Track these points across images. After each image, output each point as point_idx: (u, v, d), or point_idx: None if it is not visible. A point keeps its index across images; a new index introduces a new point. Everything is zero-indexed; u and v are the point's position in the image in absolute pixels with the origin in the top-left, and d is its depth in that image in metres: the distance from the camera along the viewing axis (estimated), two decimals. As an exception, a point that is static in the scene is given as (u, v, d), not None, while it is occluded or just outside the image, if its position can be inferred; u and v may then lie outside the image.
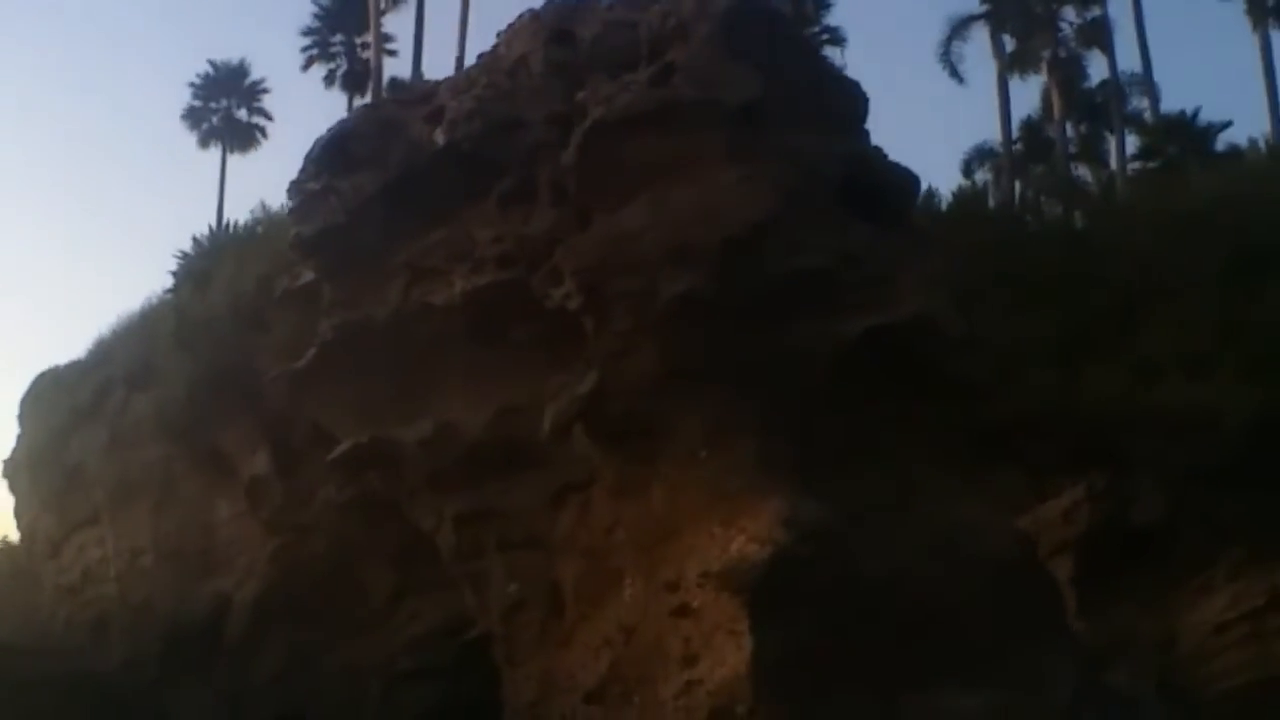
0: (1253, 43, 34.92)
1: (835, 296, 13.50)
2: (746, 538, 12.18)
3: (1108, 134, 39.24)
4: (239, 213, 31.40)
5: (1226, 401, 18.59)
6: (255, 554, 19.73)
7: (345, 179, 14.78)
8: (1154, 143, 35.01)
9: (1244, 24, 35.67)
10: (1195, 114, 35.46)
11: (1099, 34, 36.88)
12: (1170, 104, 36.47)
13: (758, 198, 12.74)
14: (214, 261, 22.50)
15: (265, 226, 23.44)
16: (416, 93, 15.42)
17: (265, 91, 39.25)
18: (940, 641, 13.06)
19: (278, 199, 24.06)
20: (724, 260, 12.58)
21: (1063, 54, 36.95)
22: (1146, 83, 36.70)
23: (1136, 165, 35.39)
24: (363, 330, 14.74)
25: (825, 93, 14.69)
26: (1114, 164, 35.50)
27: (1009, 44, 35.50)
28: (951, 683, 12.90)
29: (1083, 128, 37.00)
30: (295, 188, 14.92)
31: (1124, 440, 18.14)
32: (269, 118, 39.85)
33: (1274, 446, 18.19)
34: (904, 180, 15.62)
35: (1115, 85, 36.62)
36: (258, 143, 40.50)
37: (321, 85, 36.47)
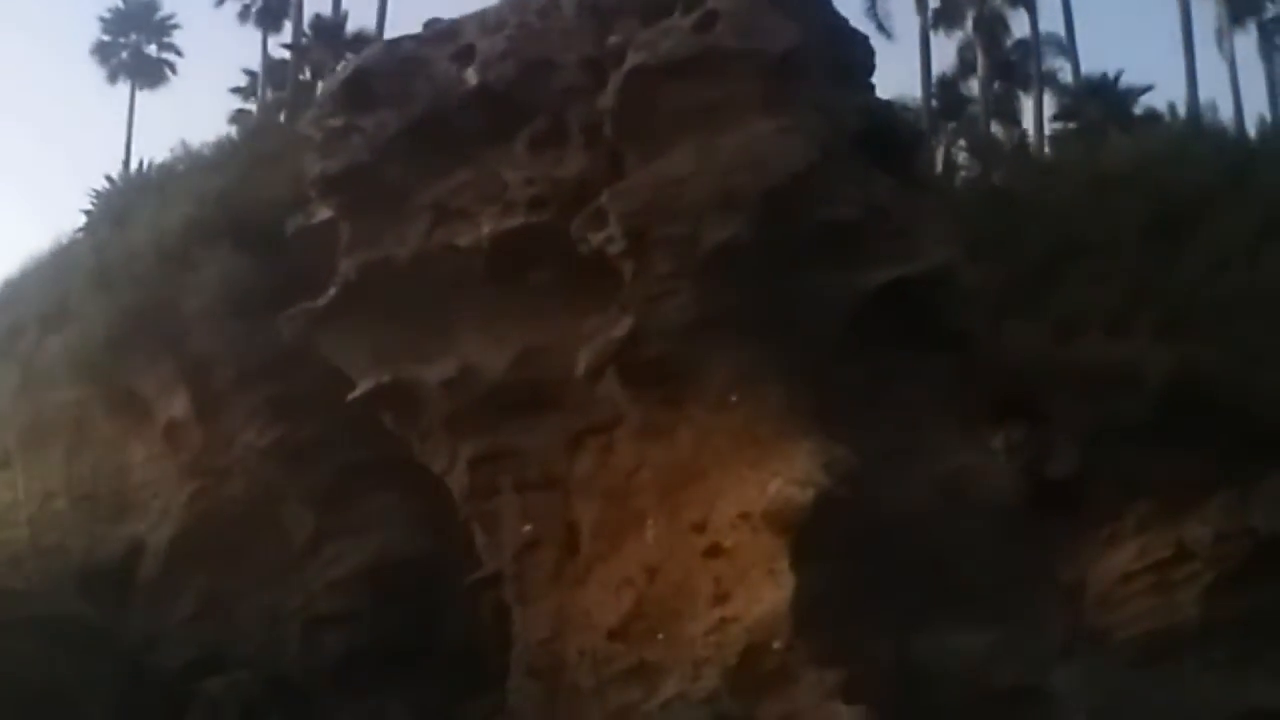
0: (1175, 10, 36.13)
1: (861, 248, 13.85)
2: (783, 480, 12.52)
3: (1021, 93, 40.32)
4: (147, 150, 30.98)
5: (1143, 359, 19.43)
6: (171, 498, 19.54)
7: (367, 116, 14.60)
8: (1074, 104, 36.03)
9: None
10: (1117, 77, 36.63)
11: None
12: (1091, 67, 37.58)
13: (796, 148, 13.00)
14: (133, 200, 22.08)
15: (186, 165, 23.11)
16: (436, 30, 15.20)
17: (176, 27, 39.03)
18: (948, 582, 13.63)
19: (194, 136, 24.01)
20: (764, 209, 12.82)
21: (986, 12, 37.70)
22: (1069, 44, 37.77)
23: (1057, 125, 36.42)
24: (383, 270, 14.64)
25: (841, 44, 14.96)
26: (1029, 123, 36.36)
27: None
28: (958, 621, 13.50)
29: (996, 86, 37.95)
30: (316, 123, 14.67)
31: (1043, 394, 18.66)
32: (179, 54, 39.58)
33: (1186, 405, 19.14)
34: (912, 134, 16.08)
35: (1035, 45, 37.57)
36: (166, 79, 40.24)
37: (235, 21, 36.03)
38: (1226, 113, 32.03)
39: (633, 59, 13.33)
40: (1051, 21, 38.06)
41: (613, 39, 13.96)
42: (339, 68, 15.59)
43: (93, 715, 17.03)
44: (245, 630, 19.54)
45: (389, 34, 34.11)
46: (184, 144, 23.84)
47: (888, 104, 14.60)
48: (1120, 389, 19.71)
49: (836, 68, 14.43)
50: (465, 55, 14.24)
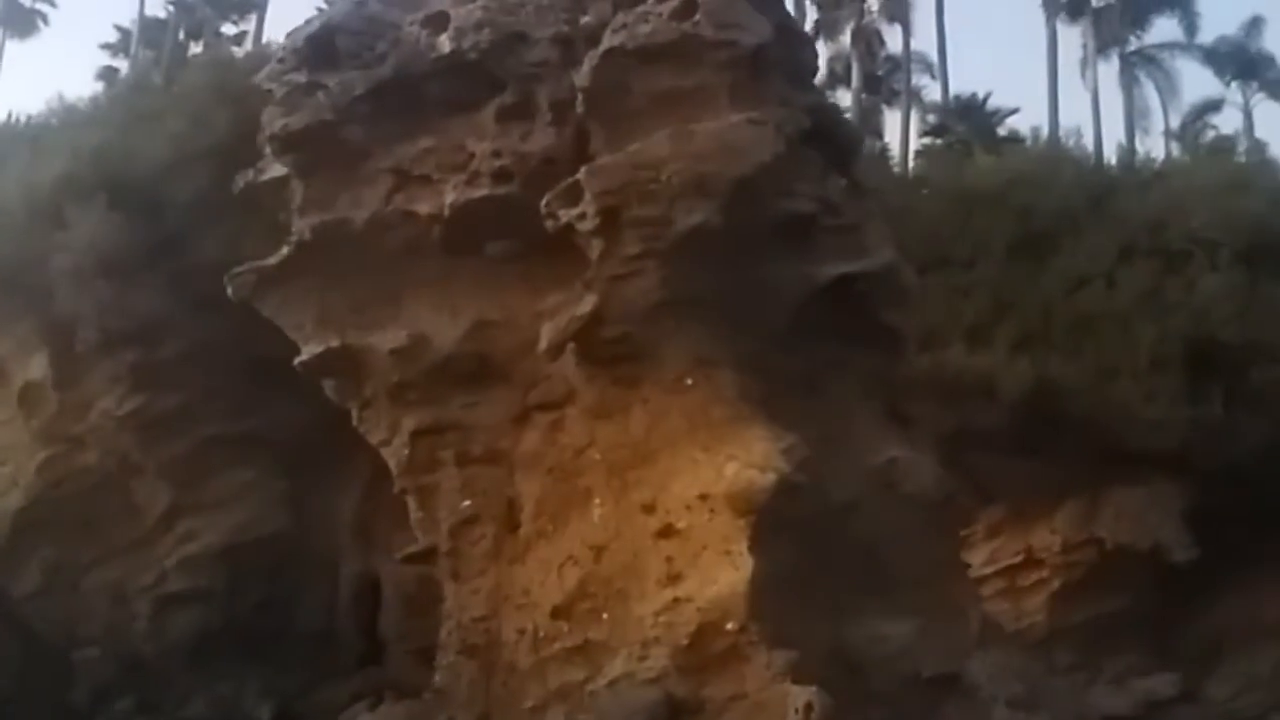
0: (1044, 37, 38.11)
1: (814, 241, 14.22)
2: (740, 464, 12.76)
3: (885, 108, 41.92)
4: (14, 103, 30.00)
5: (1001, 371, 20.48)
6: (21, 464, 19.04)
7: (331, 75, 14.28)
8: (943, 121, 37.67)
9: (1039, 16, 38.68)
10: (985, 98, 38.45)
11: (901, 9, 39.27)
12: (959, 87, 39.49)
13: (765, 140, 13.25)
14: (2, 150, 21.31)
15: (61, 119, 22.44)
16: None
17: None
18: (876, 571, 14.12)
19: (61, 90, 23.16)
20: (733, 197, 13.04)
21: (864, 27, 39.20)
22: (940, 64, 39.40)
23: (925, 141, 38.07)
24: (337, 232, 14.35)
25: (794, 44, 15.32)
26: (892, 137, 37.94)
27: (811, 11, 37.24)
28: (885, 610, 13.99)
29: (863, 99, 39.35)
30: (276, 78, 14.27)
31: (904, 401, 19.69)
32: (52, 4, 38.81)
33: (1040, 417, 20.28)
34: (853, 136, 16.54)
35: (906, 62, 39.10)
36: (38, 29, 39.35)
37: None
38: (1087, 138, 33.99)
39: (609, 40, 13.38)
40: (924, 41, 39.72)
41: (585, 19, 14.00)
42: (227, 28, 15.10)
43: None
44: (92, 606, 19.08)
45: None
46: (60, 97, 23.28)
47: (834, 106, 14.97)
48: (978, 398, 20.72)
49: (792, 66, 14.76)
50: (437, 22, 14.06)
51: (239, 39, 41.18)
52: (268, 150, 14.59)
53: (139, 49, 41.16)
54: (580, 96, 13.53)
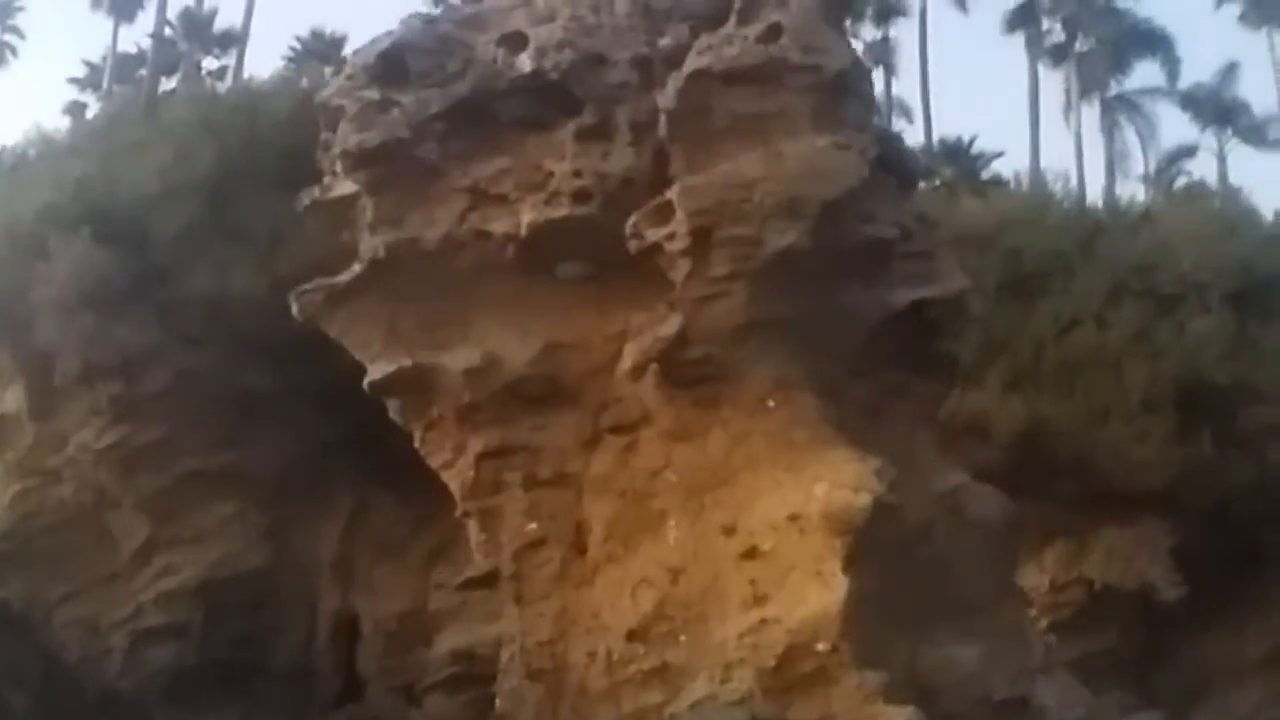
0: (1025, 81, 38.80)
1: (890, 266, 14.34)
2: (830, 485, 12.75)
3: None
4: None
5: (994, 411, 20.70)
6: None
7: (403, 92, 14.20)
8: (930, 164, 38.24)
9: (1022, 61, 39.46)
10: (971, 142, 39.03)
11: (886, 53, 39.82)
12: (943, 129, 40.11)
13: (851, 164, 13.38)
14: None
15: (39, 150, 22.28)
16: (472, 14, 14.95)
17: (21, 10, 38.34)
18: (945, 594, 14.15)
19: (26, 122, 22.97)
20: (822, 220, 13.12)
21: None
22: (924, 106, 39.99)
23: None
24: (409, 251, 14.22)
25: (863, 70, 15.52)
26: None
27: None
28: (956, 632, 14.03)
29: None
30: (347, 94, 14.17)
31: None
32: (22, 36, 38.90)
33: (1031, 457, 20.57)
34: (917, 164, 16.75)
35: (888, 106, 39.64)
36: (6, 62, 39.46)
37: (86, 7, 35.55)
38: (1071, 181, 34.62)
39: (695, 62, 13.45)
40: (907, 85, 40.30)
41: (664, 41, 14.07)
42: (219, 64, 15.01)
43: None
44: (66, 641, 18.66)
45: (255, 32, 33.92)
46: (38, 128, 23.11)
47: (898, 134, 15.15)
48: (971, 438, 20.90)
49: (865, 93, 14.94)
50: (515, 41, 14.05)
51: (220, 73, 40.98)
52: (338, 167, 14.39)
53: (111, 83, 40.87)
54: (663, 118, 13.57)
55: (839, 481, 12.72)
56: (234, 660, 18.21)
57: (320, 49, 43.24)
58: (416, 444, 15.15)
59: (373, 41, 14.79)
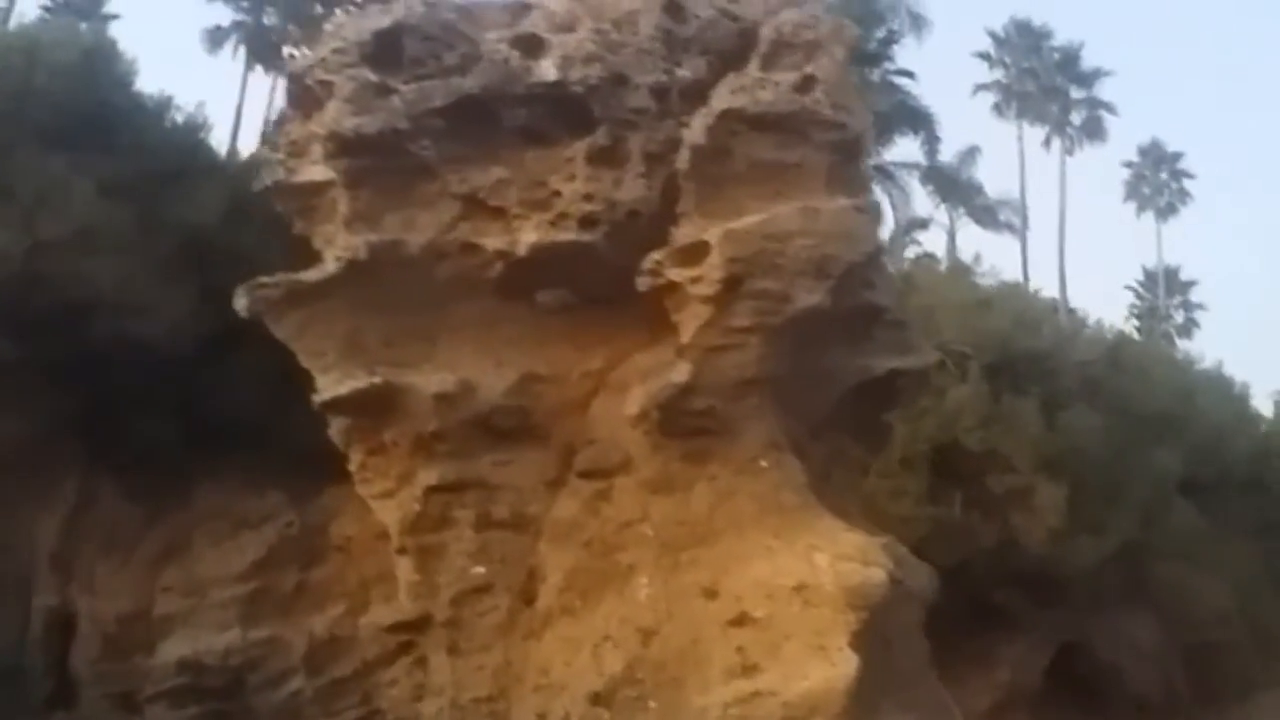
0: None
1: (872, 333, 14.21)
2: (832, 556, 12.38)
3: None
4: None
5: None
6: None
7: (395, 77, 12.79)
8: None
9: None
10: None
11: None
12: None
13: (871, 228, 13.20)
14: None
15: None
16: (480, 7, 13.68)
17: None
18: (892, 667, 14.10)
19: None
20: (842, 281, 12.83)
21: None
22: None
23: None
24: (388, 255, 12.79)
25: (870, 134, 15.39)
26: None
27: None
28: (897, 705, 13.97)
29: None
30: (337, 69, 12.57)
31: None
32: None
33: None
34: (890, 235, 16.78)
35: None
36: None
37: None
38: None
39: (728, 101, 12.86)
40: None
41: (681, 72, 13.38)
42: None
43: None
44: None
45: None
46: None
47: (876, 204, 15.17)
48: None
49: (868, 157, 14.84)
50: (531, 45, 12.94)
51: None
52: (316, 150, 12.75)
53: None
54: (687, 153, 12.87)
55: (840, 553, 12.34)
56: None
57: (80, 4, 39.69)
58: (353, 467, 13.62)
59: (360, 15, 13.28)
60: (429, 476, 13.26)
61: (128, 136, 16.98)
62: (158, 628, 15.64)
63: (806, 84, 13.06)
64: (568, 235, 12.78)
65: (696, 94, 13.31)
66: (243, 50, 41.09)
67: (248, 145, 32.50)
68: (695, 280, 12.33)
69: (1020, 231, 44.70)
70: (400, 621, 13.83)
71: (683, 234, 12.82)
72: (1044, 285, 39.65)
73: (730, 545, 12.97)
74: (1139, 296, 57.63)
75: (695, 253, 12.33)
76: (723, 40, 13.60)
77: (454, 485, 13.30)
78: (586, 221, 12.86)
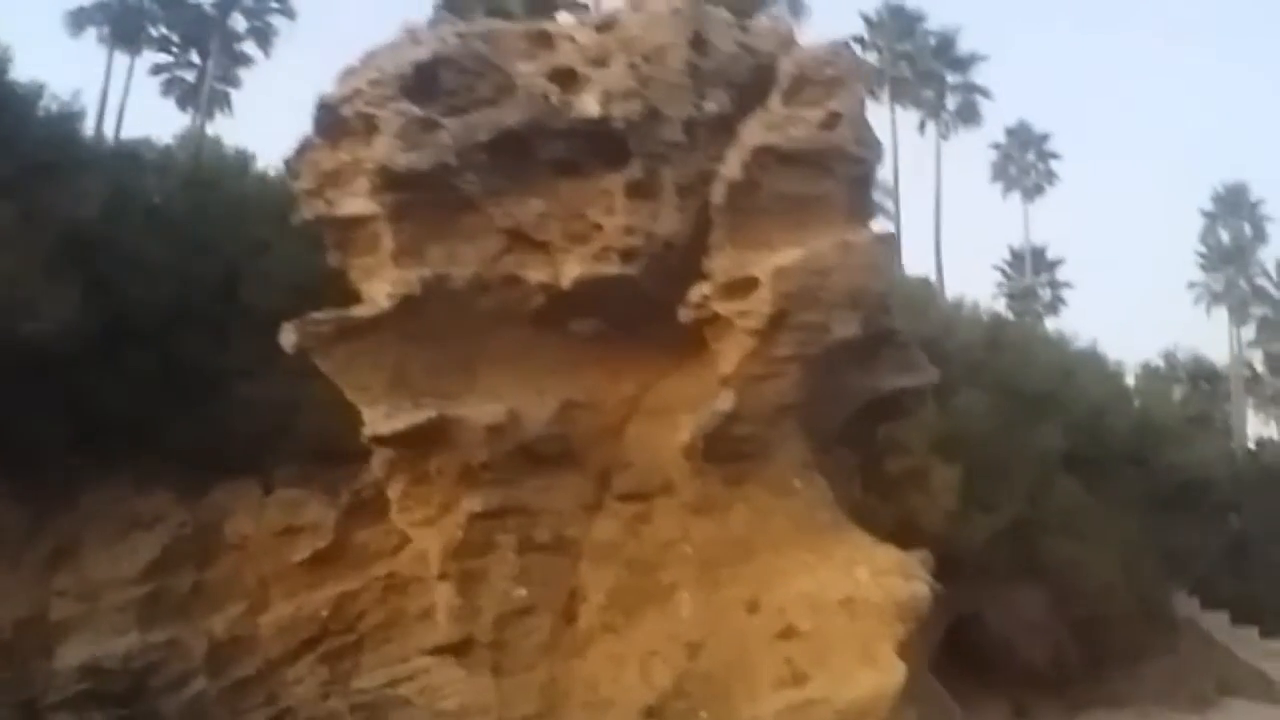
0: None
1: (880, 355, 15.01)
2: (871, 570, 13.18)
3: None
4: None
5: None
6: None
7: (435, 110, 12.91)
8: None
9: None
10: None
11: None
12: None
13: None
14: None
15: None
16: (507, 35, 13.79)
17: None
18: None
19: None
20: (872, 310, 13.58)
21: None
22: None
23: None
24: (436, 290, 12.95)
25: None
26: None
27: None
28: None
29: None
30: (379, 104, 12.58)
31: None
32: None
33: None
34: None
35: None
36: None
37: None
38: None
39: (762, 137, 13.42)
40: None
41: (707, 104, 13.86)
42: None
43: None
44: None
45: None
46: None
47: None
48: None
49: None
50: (567, 79, 13.24)
51: None
52: (360, 185, 12.79)
53: None
54: (722, 187, 13.39)
55: (878, 568, 13.13)
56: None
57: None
58: (393, 495, 13.75)
59: (396, 47, 13.28)
60: (473, 504, 13.51)
61: (1, 128, 15.69)
62: (54, 633, 15.21)
63: (831, 120, 13.69)
64: (611, 269, 13.15)
65: (721, 127, 13.82)
66: (106, 33, 39.26)
67: (117, 132, 31.37)
68: (743, 314, 12.87)
69: (895, 216, 45.61)
70: (442, 646, 14.04)
71: (718, 266, 13.35)
72: (918, 268, 40.37)
73: (769, 561, 13.63)
74: (1006, 276, 59.12)
75: (742, 288, 12.88)
76: (742, 74, 14.11)
77: (497, 511, 13.59)
78: (628, 254, 13.26)
